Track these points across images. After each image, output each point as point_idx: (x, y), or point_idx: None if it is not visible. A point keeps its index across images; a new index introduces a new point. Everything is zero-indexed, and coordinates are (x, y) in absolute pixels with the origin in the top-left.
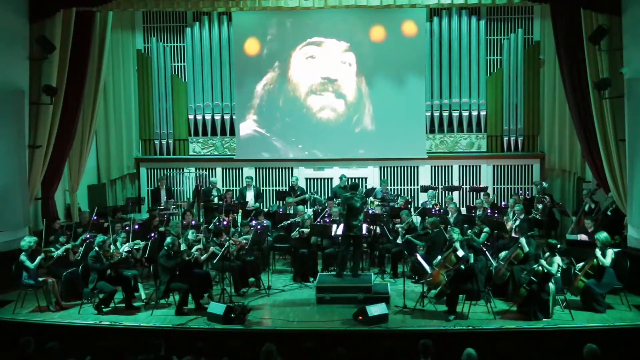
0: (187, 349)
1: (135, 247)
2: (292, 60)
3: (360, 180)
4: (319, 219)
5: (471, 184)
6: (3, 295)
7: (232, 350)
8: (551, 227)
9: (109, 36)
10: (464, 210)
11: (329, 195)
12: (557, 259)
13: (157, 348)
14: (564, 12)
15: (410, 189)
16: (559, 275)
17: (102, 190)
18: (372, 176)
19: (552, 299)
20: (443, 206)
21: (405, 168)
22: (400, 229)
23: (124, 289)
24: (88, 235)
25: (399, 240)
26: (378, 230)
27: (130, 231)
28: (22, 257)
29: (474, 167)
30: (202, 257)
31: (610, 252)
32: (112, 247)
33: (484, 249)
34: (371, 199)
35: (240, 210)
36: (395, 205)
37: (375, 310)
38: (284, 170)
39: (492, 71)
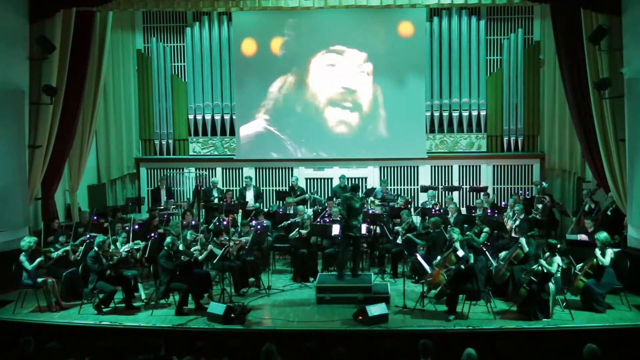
0: (187, 349)
1: (135, 247)
2: (311, 66)
3: (360, 180)
4: (318, 219)
5: (471, 184)
6: (3, 295)
7: (232, 350)
8: (551, 227)
9: (109, 36)
10: (464, 210)
11: (329, 195)
12: (557, 259)
13: (157, 348)
14: (564, 12)
15: (410, 189)
16: (559, 275)
17: (102, 190)
18: (372, 176)
19: (552, 299)
20: (443, 206)
21: (405, 168)
22: (400, 230)
23: (124, 289)
24: (88, 236)
25: (399, 240)
26: (378, 230)
27: (131, 231)
28: (22, 257)
29: (474, 167)
30: (201, 257)
31: (609, 252)
32: (111, 247)
33: (484, 249)
34: (371, 199)
35: (240, 210)
36: (395, 205)
37: (375, 310)
38: (284, 170)
39: (492, 71)
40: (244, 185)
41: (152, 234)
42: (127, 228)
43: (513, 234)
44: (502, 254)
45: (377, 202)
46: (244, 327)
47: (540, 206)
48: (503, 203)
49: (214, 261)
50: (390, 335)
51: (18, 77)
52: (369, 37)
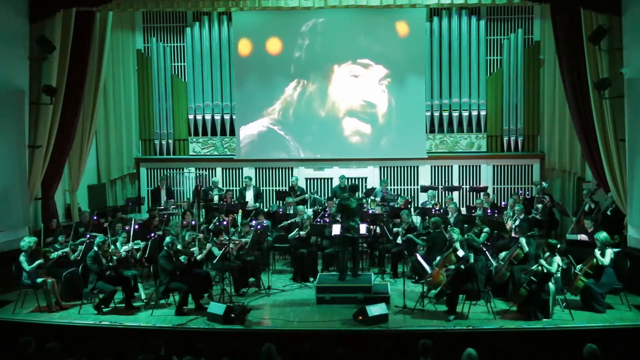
0: (187, 349)
1: (135, 247)
2: (334, 74)
3: (360, 180)
4: (318, 219)
5: (471, 184)
6: (3, 295)
7: (232, 350)
8: (551, 227)
9: (109, 36)
10: (464, 210)
11: (329, 195)
12: (557, 259)
13: (157, 348)
14: (564, 12)
15: (410, 189)
16: (559, 275)
17: (102, 190)
18: (372, 176)
19: (552, 299)
20: (443, 206)
21: (405, 168)
22: (400, 230)
23: (124, 289)
24: (88, 236)
25: (399, 240)
26: (378, 230)
27: (131, 231)
28: (21, 257)
29: (474, 167)
30: (199, 257)
31: (609, 252)
32: (111, 247)
33: (484, 249)
34: (371, 198)
35: (240, 210)
36: (395, 205)
37: (375, 310)
38: (284, 170)
39: (492, 71)
40: (244, 185)
41: (152, 234)
42: (127, 228)
43: (513, 234)
44: (502, 254)
45: (377, 202)
46: (244, 327)
47: (540, 206)
48: (503, 203)
49: (214, 261)
50: (390, 335)
51: (18, 77)
52: (369, 37)
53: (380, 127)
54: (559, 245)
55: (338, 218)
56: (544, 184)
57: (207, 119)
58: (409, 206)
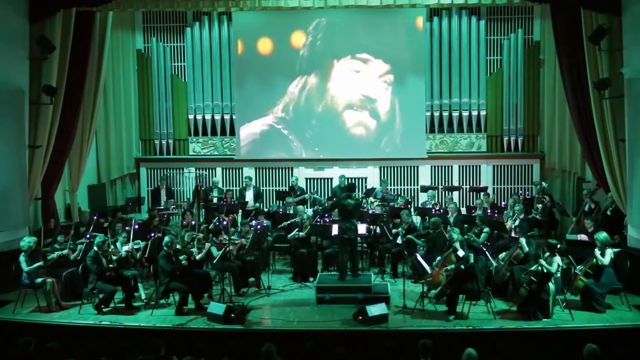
0: (187, 349)
1: (135, 247)
2: (334, 69)
3: (360, 180)
4: (318, 219)
5: (471, 184)
6: (3, 295)
7: (232, 350)
8: (551, 227)
9: (109, 36)
10: (464, 210)
11: (329, 195)
12: (557, 259)
13: (157, 348)
14: (564, 12)
15: (410, 189)
16: (559, 275)
17: (102, 190)
18: (372, 176)
19: (552, 299)
20: (443, 206)
21: (405, 168)
22: (400, 230)
23: (124, 289)
24: (88, 236)
25: (399, 240)
26: (378, 230)
27: (131, 231)
28: (21, 257)
29: (474, 167)
30: (199, 257)
31: (609, 252)
32: (111, 247)
33: (484, 249)
34: (371, 199)
35: (240, 210)
36: (395, 205)
37: (375, 310)
38: (284, 170)
39: (492, 71)
40: (244, 185)
41: (152, 234)
42: (127, 228)
43: (513, 234)
44: (502, 255)
45: (377, 202)
46: (244, 327)
47: (540, 206)
48: (503, 203)
49: (214, 261)
50: (390, 335)
51: (18, 77)
52: (368, 37)
53: (381, 124)
54: (559, 245)
55: (336, 217)
56: (544, 184)
57: (207, 119)
58: (409, 206)
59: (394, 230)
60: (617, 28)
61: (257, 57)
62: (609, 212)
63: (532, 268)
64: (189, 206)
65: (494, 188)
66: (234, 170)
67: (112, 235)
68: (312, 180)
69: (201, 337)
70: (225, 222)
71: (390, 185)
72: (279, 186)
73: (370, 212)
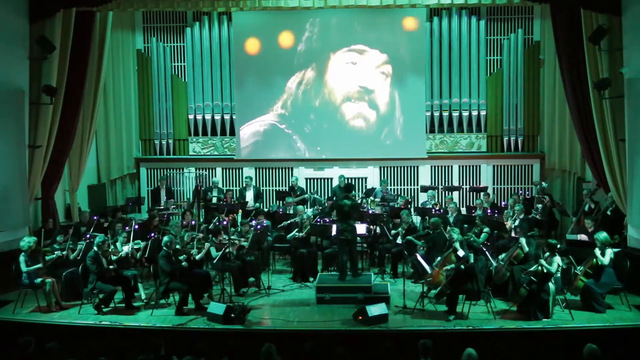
0: (187, 349)
1: (135, 247)
2: (330, 63)
3: (360, 180)
4: (318, 219)
5: (471, 184)
6: (3, 295)
7: (232, 350)
8: (551, 227)
9: (109, 36)
10: (464, 210)
11: (329, 195)
12: (557, 259)
13: (157, 348)
14: (564, 12)
15: (410, 189)
16: (559, 275)
17: (102, 190)
18: (372, 176)
19: (552, 299)
20: (443, 206)
21: (405, 168)
22: (400, 230)
23: (124, 289)
24: (88, 236)
25: (399, 240)
26: (378, 230)
27: (131, 231)
28: (21, 257)
29: (474, 167)
30: (198, 257)
31: (609, 252)
32: (111, 247)
33: (484, 249)
34: (371, 199)
35: (240, 210)
36: (395, 205)
37: (375, 310)
38: (284, 170)
39: (492, 71)
40: (244, 185)
41: (152, 234)
42: (127, 228)
43: (513, 234)
44: (502, 255)
45: (377, 202)
46: (244, 327)
47: (540, 206)
48: (503, 203)
49: (214, 261)
50: (390, 335)
51: (18, 77)
52: (369, 37)
53: (380, 116)
54: (559, 245)
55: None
56: (544, 184)
57: (207, 119)
58: (409, 206)
59: (393, 231)
60: (617, 28)
61: (257, 56)
62: (609, 212)
63: (532, 268)
64: (188, 206)
65: (494, 188)
66: (234, 170)
67: (112, 235)
68: (312, 180)
69: (201, 337)
70: (225, 222)
71: (390, 185)
72: (279, 186)
73: (370, 212)
